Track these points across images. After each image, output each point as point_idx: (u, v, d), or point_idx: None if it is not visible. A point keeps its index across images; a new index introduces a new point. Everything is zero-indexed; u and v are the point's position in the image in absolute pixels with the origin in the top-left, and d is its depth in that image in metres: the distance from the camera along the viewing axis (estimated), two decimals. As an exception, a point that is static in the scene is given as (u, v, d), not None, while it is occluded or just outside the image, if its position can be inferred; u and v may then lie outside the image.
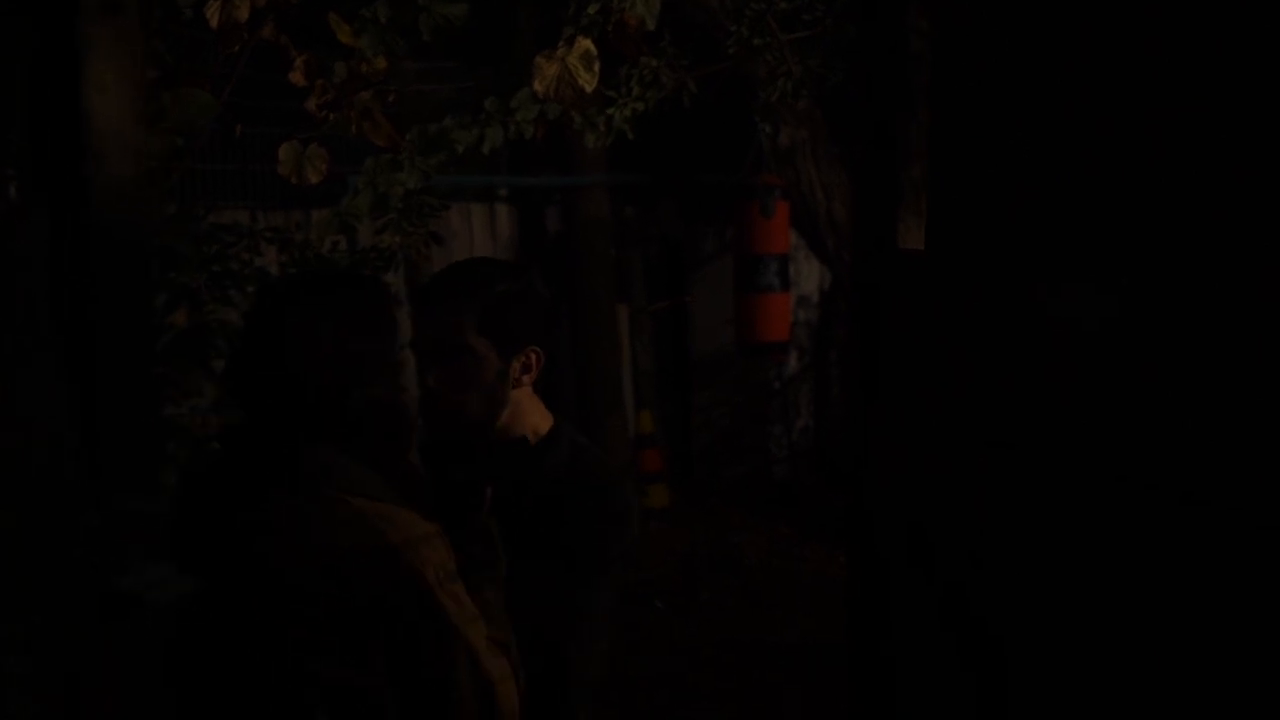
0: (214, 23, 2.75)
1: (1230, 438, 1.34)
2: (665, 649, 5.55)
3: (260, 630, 1.58)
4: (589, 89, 2.78)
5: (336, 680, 1.55)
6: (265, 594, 1.58)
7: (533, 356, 2.01)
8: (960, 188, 1.50)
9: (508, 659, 1.67)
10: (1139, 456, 1.42)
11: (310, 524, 1.58)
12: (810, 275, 8.54)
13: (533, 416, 2.05)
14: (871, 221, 1.55)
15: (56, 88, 1.07)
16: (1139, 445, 1.42)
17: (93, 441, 1.05)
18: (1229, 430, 1.34)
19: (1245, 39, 1.34)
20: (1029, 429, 1.49)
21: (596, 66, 2.79)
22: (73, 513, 1.03)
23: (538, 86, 2.78)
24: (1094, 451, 1.45)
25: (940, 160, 1.52)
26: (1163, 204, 1.39)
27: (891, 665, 1.58)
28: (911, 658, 1.56)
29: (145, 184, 1.17)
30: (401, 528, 1.59)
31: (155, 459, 1.18)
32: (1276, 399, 1.29)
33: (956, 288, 1.51)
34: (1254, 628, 1.33)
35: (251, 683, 1.59)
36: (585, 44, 2.78)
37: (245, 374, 1.64)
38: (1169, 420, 1.39)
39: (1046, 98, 1.47)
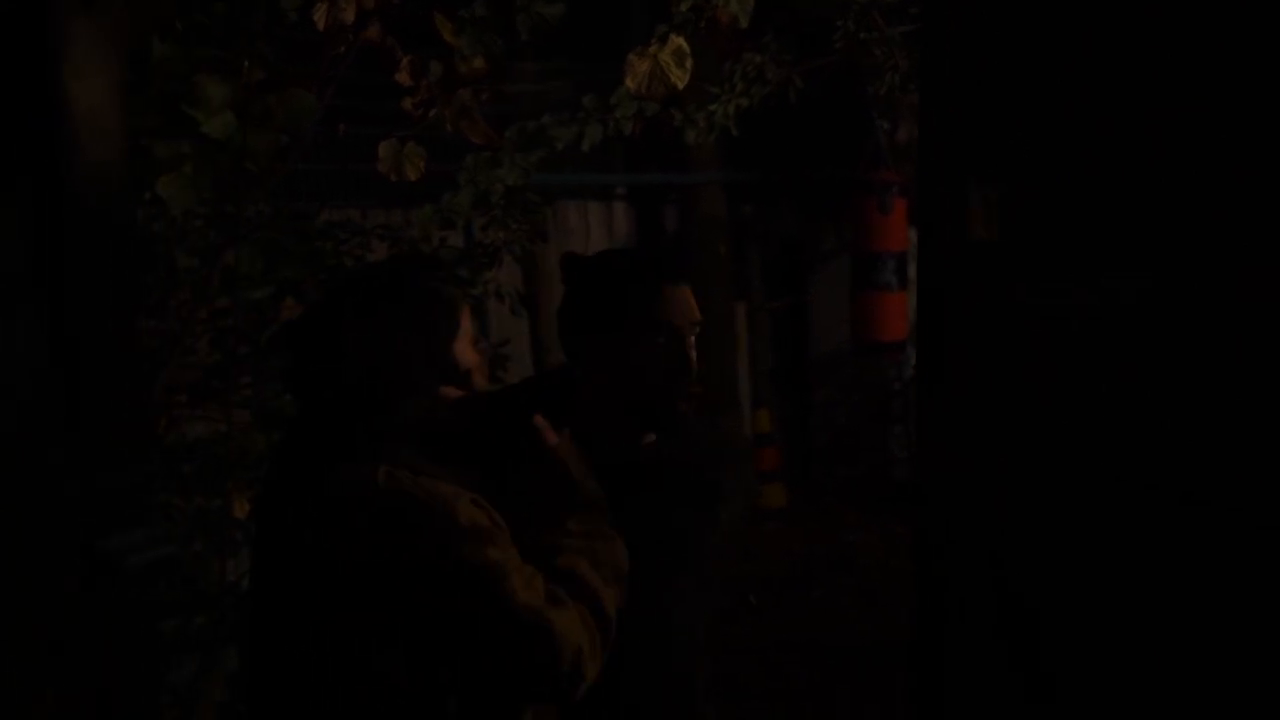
0: (321, 25, 2.84)
1: (1230, 438, 1.33)
2: (761, 647, 5.53)
3: (299, 607, 1.64)
4: (680, 85, 2.80)
5: (355, 653, 1.60)
6: (304, 573, 1.64)
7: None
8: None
9: (585, 605, 1.63)
10: (1137, 457, 1.41)
11: (350, 503, 1.62)
12: (933, 273, 8.38)
13: None
14: (929, 217, 1.54)
15: (37, 75, 1.14)
16: (1138, 445, 1.41)
17: (75, 414, 1.11)
18: (1228, 430, 1.33)
19: (1236, 42, 1.32)
20: (1034, 429, 1.48)
21: (688, 64, 2.81)
22: (55, 481, 1.09)
23: (630, 83, 2.81)
24: (1093, 452, 1.44)
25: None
26: (1173, 202, 1.37)
27: (941, 661, 1.58)
28: (958, 653, 1.56)
29: (123, 163, 1.23)
30: (444, 501, 1.62)
31: (135, 430, 1.24)
32: (1275, 400, 1.27)
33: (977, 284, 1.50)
34: (1254, 627, 1.32)
35: (290, 652, 1.65)
36: (678, 41, 2.80)
37: (304, 368, 1.71)
38: (1168, 420, 1.38)
39: (1045, 93, 1.46)
